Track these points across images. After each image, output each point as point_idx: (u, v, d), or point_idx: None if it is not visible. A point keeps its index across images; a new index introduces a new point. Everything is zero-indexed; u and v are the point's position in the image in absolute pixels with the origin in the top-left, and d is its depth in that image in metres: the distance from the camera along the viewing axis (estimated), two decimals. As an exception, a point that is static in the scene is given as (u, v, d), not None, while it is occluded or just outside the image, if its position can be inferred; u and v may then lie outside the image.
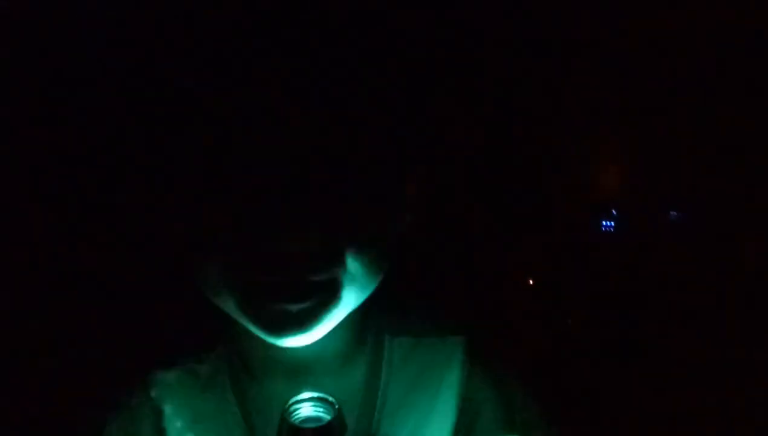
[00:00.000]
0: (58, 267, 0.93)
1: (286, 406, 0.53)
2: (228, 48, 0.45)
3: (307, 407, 0.53)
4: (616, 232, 1.49)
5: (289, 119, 0.44)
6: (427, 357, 0.60)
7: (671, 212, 1.53)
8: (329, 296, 0.49)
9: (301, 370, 0.57)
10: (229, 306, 0.50)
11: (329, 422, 0.52)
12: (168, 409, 0.61)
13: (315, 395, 0.53)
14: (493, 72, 1.24)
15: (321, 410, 0.53)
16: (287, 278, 0.46)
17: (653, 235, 1.49)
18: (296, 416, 0.53)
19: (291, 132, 0.44)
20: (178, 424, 0.60)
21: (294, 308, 0.47)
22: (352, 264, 0.48)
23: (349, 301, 0.50)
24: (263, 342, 0.51)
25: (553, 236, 1.44)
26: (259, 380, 0.60)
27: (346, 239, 0.47)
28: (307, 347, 0.52)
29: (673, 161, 1.44)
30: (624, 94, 1.36)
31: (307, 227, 0.44)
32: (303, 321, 0.49)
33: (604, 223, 1.50)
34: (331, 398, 0.52)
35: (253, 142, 0.44)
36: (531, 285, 1.38)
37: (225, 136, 0.45)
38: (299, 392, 0.52)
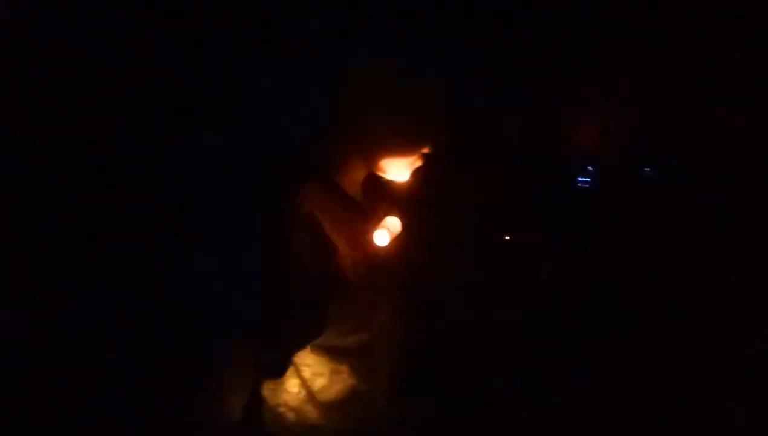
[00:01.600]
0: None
1: None
2: None
3: None
4: (592, 189, 1.44)
5: None
6: None
7: (645, 169, 1.49)
8: None
9: None
10: None
11: None
12: None
13: None
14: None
15: None
16: None
17: (627, 192, 1.45)
18: None
19: None
20: None
21: None
22: None
23: None
24: None
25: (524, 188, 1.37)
26: None
27: None
28: None
29: (653, 116, 1.39)
30: (614, 45, 1.29)
31: None
32: None
33: (579, 179, 1.45)
34: None
35: None
36: (507, 241, 1.32)
37: None
38: None
